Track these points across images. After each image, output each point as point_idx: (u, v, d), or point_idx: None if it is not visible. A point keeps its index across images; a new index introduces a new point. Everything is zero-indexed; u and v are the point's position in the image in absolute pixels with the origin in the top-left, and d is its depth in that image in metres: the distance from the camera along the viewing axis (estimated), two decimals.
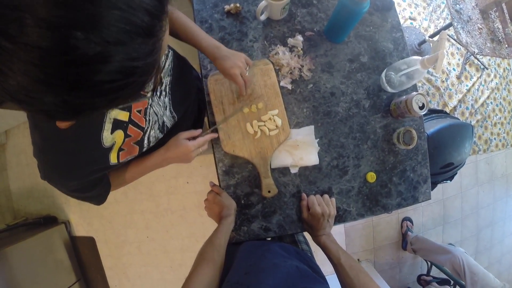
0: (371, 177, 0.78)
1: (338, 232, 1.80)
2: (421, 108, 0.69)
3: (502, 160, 1.97)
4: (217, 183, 0.82)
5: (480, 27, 1.38)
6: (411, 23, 1.96)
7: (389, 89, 0.79)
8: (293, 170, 0.79)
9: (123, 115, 0.54)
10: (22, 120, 1.96)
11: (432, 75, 1.93)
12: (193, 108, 0.84)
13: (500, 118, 2.01)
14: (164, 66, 0.63)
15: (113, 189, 0.70)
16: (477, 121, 1.95)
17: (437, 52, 0.60)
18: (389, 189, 0.80)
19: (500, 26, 1.42)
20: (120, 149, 0.56)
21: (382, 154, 0.80)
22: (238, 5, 0.82)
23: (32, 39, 0.22)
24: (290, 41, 0.83)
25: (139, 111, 0.57)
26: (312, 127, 0.79)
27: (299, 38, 0.83)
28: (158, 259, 1.87)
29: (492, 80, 2.04)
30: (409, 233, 1.75)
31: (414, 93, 0.71)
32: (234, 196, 0.80)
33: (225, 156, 0.81)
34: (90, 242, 1.90)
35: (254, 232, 0.80)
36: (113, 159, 0.55)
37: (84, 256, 1.90)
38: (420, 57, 0.65)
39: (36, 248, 1.67)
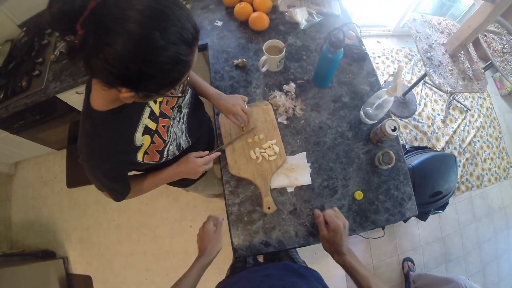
0: (359, 195, 0.95)
1: (339, 276, 1.82)
2: (394, 130, 0.90)
3: (497, 193, 2.09)
4: (224, 203, 0.98)
5: (451, 68, 1.66)
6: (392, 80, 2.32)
7: (368, 121, 1.02)
8: (290, 189, 0.96)
9: (152, 125, 0.74)
10: (35, 153, 2.16)
11: (418, 121, 2.20)
12: (204, 139, 1.05)
13: (489, 153, 2.20)
14: (185, 98, 0.85)
15: (132, 196, 0.86)
16: (467, 159, 2.14)
17: (396, 81, 0.84)
18: (376, 206, 0.95)
19: (469, 66, 1.70)
20: (145, 152, 0.74)
21: (366, 175, 0.98)
22: (244, 60, 1.10)
23: (132, 29, 0.44)
24: (285, 87, 1.09)
25: (164, 126, 0.77)
26: (304, 153, 0.99)
27: (292, 85, 1.08)
28: None
29: (476, 120, 2.30)
30: (411, 273, 1.78)
31: (386, 119, 0.93)
32: (238, 213, 0.96)
33: (232, 178, 0.99)
34: (86, 281, 1.92)
35: (255, 247, 0.93)
36: (139, 157, 0.73)
37: None
38: (385, 89, 0.89)
39: (29, 277, 1.69)
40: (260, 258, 1.73)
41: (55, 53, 1.53)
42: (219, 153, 0.94)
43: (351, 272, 0.71)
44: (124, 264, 1.93)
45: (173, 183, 1.10)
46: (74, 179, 2.10)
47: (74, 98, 1.56)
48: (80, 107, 1.65)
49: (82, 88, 1.49)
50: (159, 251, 1.92)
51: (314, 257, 1.81)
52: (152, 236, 1.95)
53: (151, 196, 2.01)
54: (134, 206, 2.03)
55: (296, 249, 1.80)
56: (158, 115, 0.75)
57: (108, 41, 0.44)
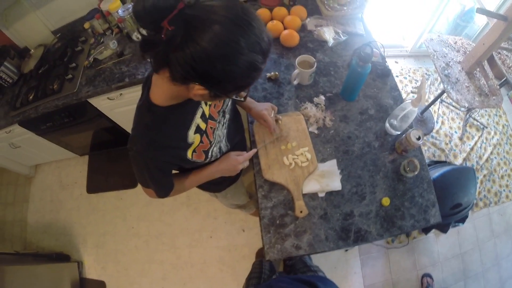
0: (386, 201, 1.04)
1: None
2: (418, 139, 1.01)
3: None
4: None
5: (468, 85, 1.79)
6: (413, 96, 2.45)
7: (394, 132, 1.13)
8: (321, 194, 1.06)
9: (202, 125, 0.83)
10: (57, 157, 2.28)
11: (436, 139, 2.31)
12: (240, 145, 1.16)
13: (506, 170, 2.29)
14: (228, 104, 0.96)
15: (174, 193, 0.94)
16: (484, 175, 2.23)
17: (420, 92, 0.96)
18: (402, 212, 1.04)
19: (485, 82, 1.83)
20: (194, 151, 0.83)
21: (392, 183, 1.08)
22: (277, 73, 1.24)
23: (221, 31, 0.50)
24: (315, 99, 1.21)
25: (211, 128, 0.87)
26: (334, 160, 1.10)
27: (322, 97, 1.21)
28: None
29: (493, 137, 2.40)
30: None
31: (411, 129, 1.04)
32: (271, 216, 1.05)
33: (265, 183, 1.09)
34: (100, 286, 1.98)
35: (286, 250, 1.01)
36: (189, 155, 0.82)
37: None
38: (409, 100, 1.01)
39: (42, 277, 1.74)
40: (279, 267, 1.80)
41: (89, 59, 1.68)
42: (255, 150, 1.05)
43: None
44: (140, 271, 1.99)
45: (206, 187, 1.21)
46: (95, 185, 2.22)
47: (105, 103, 1.69)
48: (110, 113, 1.80)
49: (114, 94, 1.63)
50: (177, 260, 1.98)
51: (334, 271, 1.87)
52: (170, 245, 2.02)
53: (172, 205, 2.11)
54: (154, 215, 2.11)
55: (318, 263, 1.88)
56: (207, 116, 0.85)
57: (197, 38, 0.50)
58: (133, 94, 1.63)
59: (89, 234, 2.13)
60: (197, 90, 0.58)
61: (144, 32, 0.57)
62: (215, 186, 1.22)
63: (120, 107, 1.74)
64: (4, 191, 2.38)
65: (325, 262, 1.88)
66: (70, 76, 1.66)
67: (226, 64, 0.53)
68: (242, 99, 0.71)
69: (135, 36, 1.63)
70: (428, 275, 1.92)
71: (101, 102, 1.69)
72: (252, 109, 1.08)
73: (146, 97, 0.70)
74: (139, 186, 2.17)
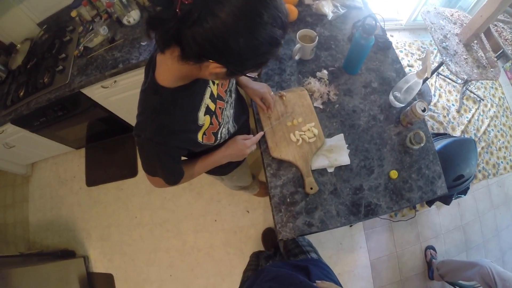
0: (394, 174, 1.04)
1: (364, 266, 1.92)
2: (423, 111, 1.00)
3: None
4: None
5: (466, 57, 1.79)
6: (410, 70, 2.44)
7: (398, 105, 1.12)
8: (330, 170, 1.05)
9: (211, 105, 0.80)
10: (53, 153, 2.23)
11: (434, 112, 2.32)
12: (245, 126, 1.14)
13: (504, 142, 2.33)
14: (233, 83, 0.93)
15: (184, 181, 0.91)
16: (482, 148, 2.26)
17: (425, 63, 0.94)
18: (410, 184, 1.05)
19: (482, 54, 1.83)
20: (204, 133, 0.80)
21: (399, 155, 1.08)
22: None
23: (241, 5, 0.46)
24: (318, 74, 1.19)
25: (220, 108, 0.84)
26: (342, 135, 1.09)
27: (325, 72, 1.19)
28: None
29: (489, 109, 2.42)
30: (433, 260, 1.88)
31: (415, 101, 1.03)
32: (281, 195, 1.04)
33: (273, 161, 1.08)
34: (108, 279, 1.98)
35: (299, 228, 1.01)
36: (199, 137, 0.79)
37: None
38: (414, 72, 1.00)
39: (49, 276, 1.73)
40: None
41: (79, 48, 1.61)
42: (262, 133, 1.03)
43: None
44: (147, 261, 1.99)
45: (213, 171, 1.19)
46: (94, 177, 2.19)
47: (99, 92, 1.64)
48: (104, 102, 1.75)
49: (108, 82, 1.57)
50: (183, 246, 1.98)
51: (340, 247, 1.90)
52: (175, 231, 2.02)
53: (174, 191, 2.09)
54: (156, 203, 2.10)
55: (324, 239, 1.90)
56: (216, 96, 0.82)
57: (217, 12, 0.46)
58: (128, 80, 1.58)
59: (93, 227, 2.11)
60: (214, 69, 0.54)
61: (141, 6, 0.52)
62: (222, 169, 1.19)
63: (115, 95, 1.69)
64: (2, 194, 2.34)
65: (331, 238, 1.91)
66: (60, 67, 1.60)
67: (248, 39, 0.49)
68: (256, 76, 0.67)
69: (126, 20, 1.57)
70: (431, 248, 1.96)
71: (95, 92, 1.64)
72: (248, 87, 1.05)
73: (151, 79, 0.65)
74: (139, 175, 2.16)
